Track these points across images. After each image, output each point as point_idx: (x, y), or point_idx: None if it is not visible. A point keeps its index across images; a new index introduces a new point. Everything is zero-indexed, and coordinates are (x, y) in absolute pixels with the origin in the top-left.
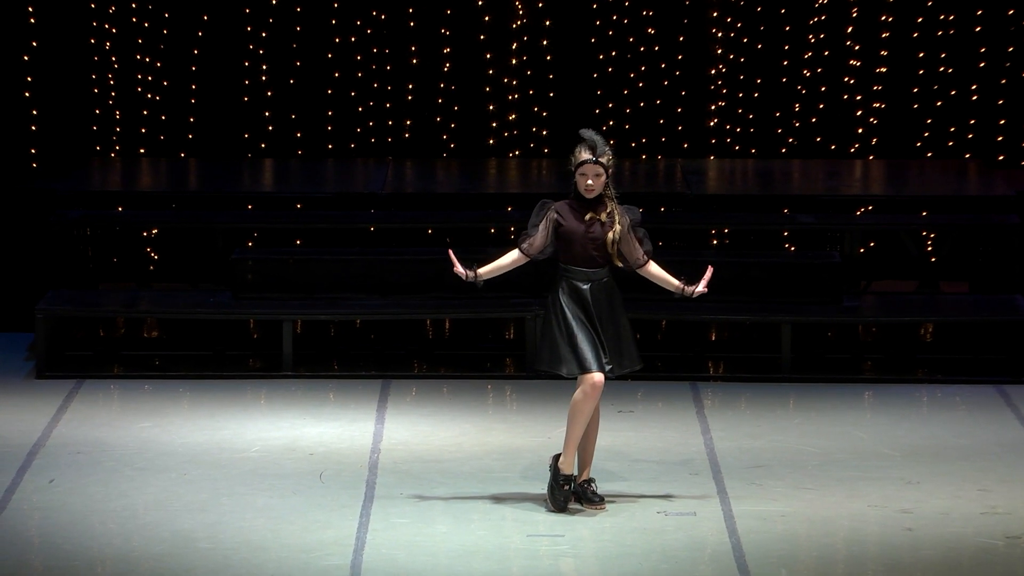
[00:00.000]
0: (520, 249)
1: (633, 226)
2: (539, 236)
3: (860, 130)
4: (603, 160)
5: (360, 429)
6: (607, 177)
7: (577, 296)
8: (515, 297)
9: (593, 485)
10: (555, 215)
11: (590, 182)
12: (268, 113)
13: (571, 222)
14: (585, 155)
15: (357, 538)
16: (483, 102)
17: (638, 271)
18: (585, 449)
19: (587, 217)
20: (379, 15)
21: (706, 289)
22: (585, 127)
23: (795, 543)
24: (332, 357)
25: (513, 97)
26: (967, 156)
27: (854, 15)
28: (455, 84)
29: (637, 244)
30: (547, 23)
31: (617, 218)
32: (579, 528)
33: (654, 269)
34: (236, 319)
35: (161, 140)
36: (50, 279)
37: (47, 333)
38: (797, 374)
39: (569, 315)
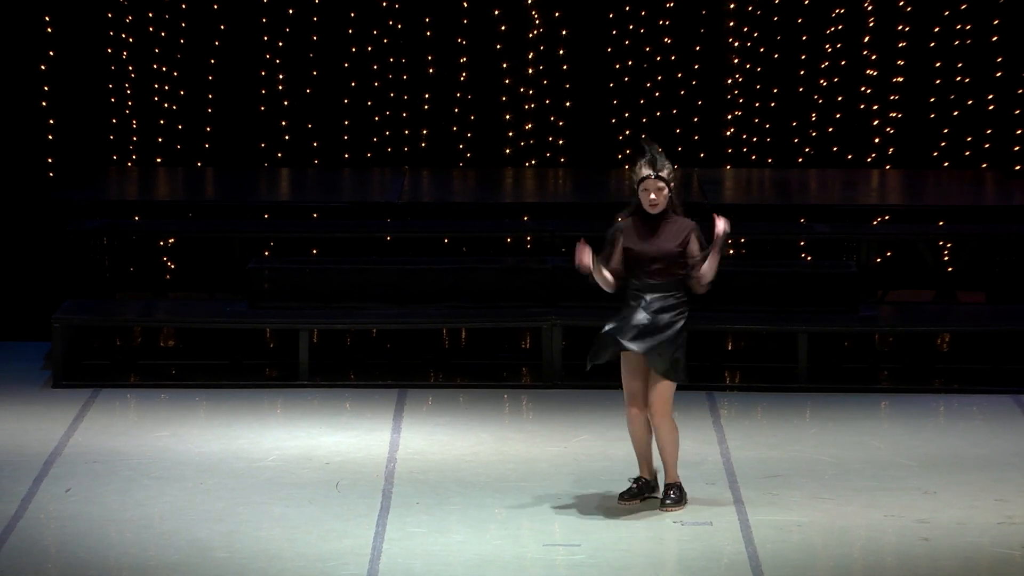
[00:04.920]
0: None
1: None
2: (614, 257)
3: (877, 140)
4: (664, 174)
5: (376, 438)
6: (670, 191)
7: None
8: (531, 307)
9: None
10: (620, 233)
11: (653, 197)
12: (285, 122)
13: (635, 240)
14: (646, 171)
15: (373, 547)
16: (499, 112)
17: (692, 276)
18: (653, 454)
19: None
20: (396, 25)
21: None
22: (646, 138)
23: (812, 553)
24: (349, 366)
25: (529, 107)
26: (984, 166)
27: (871, 25)
28: (471, 94)
29: (698, 270)
30: (564, 33)
31: (691, 232)
32: (596, 538)
33: (704, 267)
34: (253, 328)
35: (178, 149)
36: (67, 288)
37: (64, 342)
38: (813, 384)
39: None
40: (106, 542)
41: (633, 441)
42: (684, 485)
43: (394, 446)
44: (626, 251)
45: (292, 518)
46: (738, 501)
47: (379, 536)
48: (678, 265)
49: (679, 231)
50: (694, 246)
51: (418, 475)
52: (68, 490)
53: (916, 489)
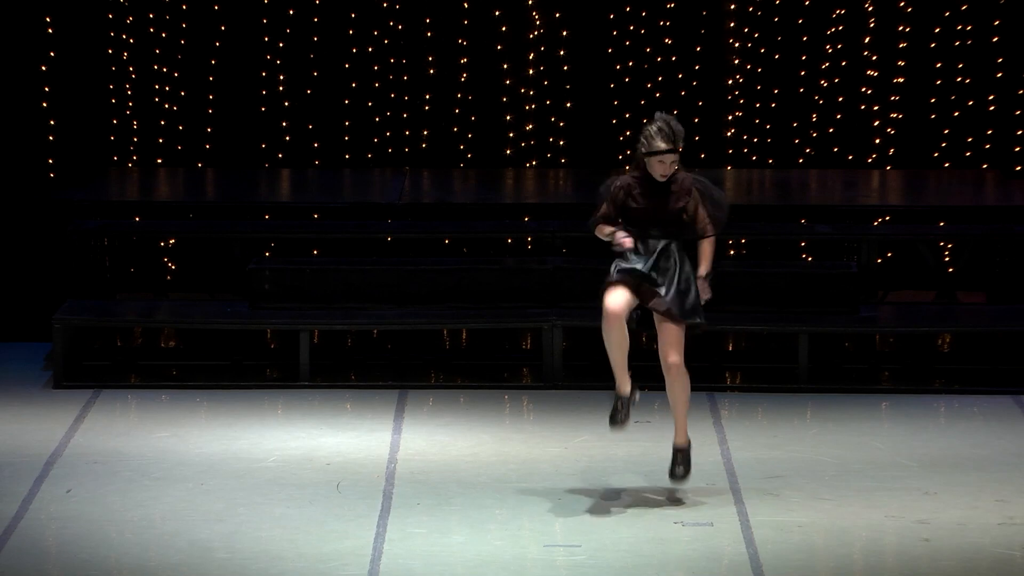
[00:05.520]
0: (597, 231)
1: (707, 195)
2: (606, 212)
3: (877, 140)
4: (680, 148)
5: (377, 439)
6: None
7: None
8: (532, 307)
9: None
10: (621, 194)
11: (665, 168)
12: (285, 123)
13: (637, 200)
14: (663, 143)
15: (374, 548)
16: (500, 112)
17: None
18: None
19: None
20: (396, 25)
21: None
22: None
23: (812, 553)
24: (349, 367)
25: (530, 107)
26: (984, 166)
27: (871, 25)
28: (472, 94)
29: (705, 215)
30: (564, 33)
31: (692, 190)
32: (596, 538)
33: (707, 246)
34: (253, 329)
35: (178, 150)
36: (68, 289)
37: (65, 343)
38: (814, 384)
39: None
40: (107, 543)
41: (617, 350)
42: (685, 485)
43: (395, 447)
44: (627, 210)
45: (293, 519)
46: (739, 502)
47: (380, 537)
48: (680, 222)
49: (681, 192)
50: (694, 206)
51: (419, 476)
52: (69, 491)
53: (917, 489)
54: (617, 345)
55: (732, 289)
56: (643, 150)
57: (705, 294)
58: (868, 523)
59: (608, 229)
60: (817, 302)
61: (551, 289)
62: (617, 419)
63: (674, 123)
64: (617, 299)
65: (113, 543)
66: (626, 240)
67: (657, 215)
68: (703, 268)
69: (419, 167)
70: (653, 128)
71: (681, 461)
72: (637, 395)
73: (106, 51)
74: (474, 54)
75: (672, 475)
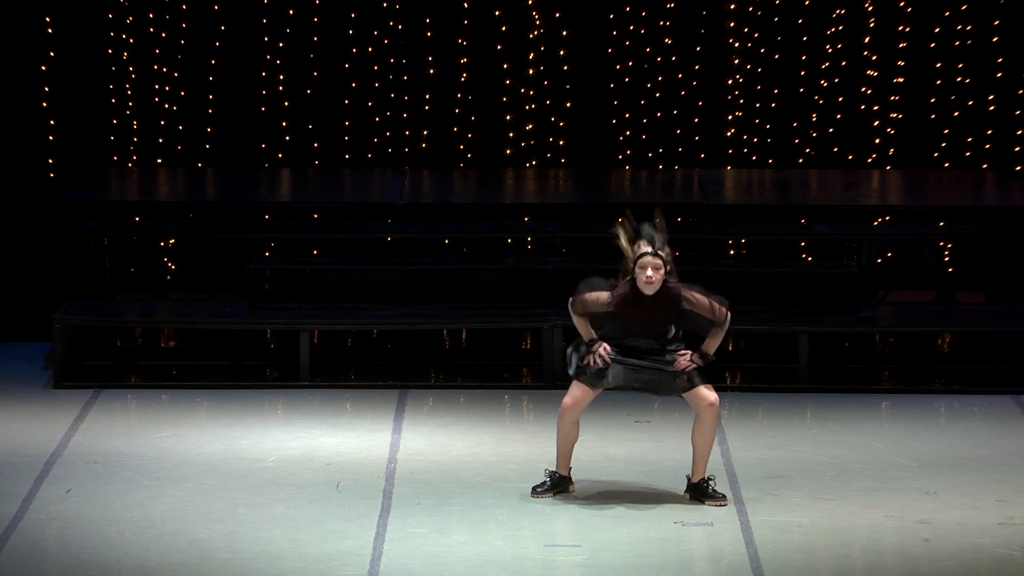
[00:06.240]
0: (573, 312)
1: (704, 293)
2: (590, 304)
3: (877, 140)
4: (663, 253)
5: (377, 439)
6: (667, 271)
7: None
8: (532, 307)
9: (712, 483)
10: (614, 307)
11: (650, 274)
12: (285, 123)
13: (626, 316)
14: (644, 247)
15: (374, 548)
16: (500, 112)
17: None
18: (700, 450)
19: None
20: (396, 25)
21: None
22: (633, 218)
23: (812, 553)
24: (349, 367)
25: (530, 107)
26: (984, 166)
27: (871, 25)
28: (472, 94)
29: (711, 308)
30: (564, 33)
31: (680, 296)
32: (596, 538)
33: (717, 332)
34: (253, 329)
35: (178, 150)
36: (68, 289)
37: (65, 343)
38: (814, 384)
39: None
40: (107, 543)
41: (565, 441)
42: (685, 485)
43: (395, 447)
44: (615, 317)
45: (293, 519)
46: (739, 501)
47: (380, 537)
48: (664, 335)
49: (669, 310)
50: (692, 306)
51: (419, 476)
52: (69, 491)
53: (917, 489)
54: (566, 436)
55: (732, 289)
56: (630, 259)
57: (687, 363)
58: (868, 523)
59: (589, 334)
60: (817, 302)
61: (551, 289)
62: (539, 490)
63: (659, 229)
64: (578, 397)
65: (113, 543)
66: (601, 361)
67: (643, 335)
68: (707, 347)
69: (419, 167)
70: (631, 230)
71: (707, 493)
72: (573, 488)
73: (106, 51)
74: (474, 54)
75: (700, 501)
